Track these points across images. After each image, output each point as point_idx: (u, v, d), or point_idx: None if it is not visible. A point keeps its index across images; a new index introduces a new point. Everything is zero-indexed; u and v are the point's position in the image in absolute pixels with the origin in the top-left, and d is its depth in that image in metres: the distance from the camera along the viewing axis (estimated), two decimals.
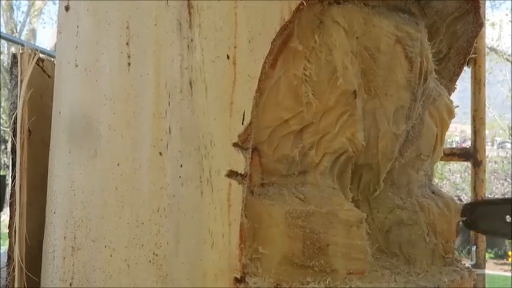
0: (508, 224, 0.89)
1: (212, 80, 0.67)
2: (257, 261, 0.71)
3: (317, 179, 0.80)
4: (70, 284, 0.73)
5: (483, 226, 0.97)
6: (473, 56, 1.74)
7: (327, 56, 0.74)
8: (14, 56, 0.85)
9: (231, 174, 0.66)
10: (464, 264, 0.96)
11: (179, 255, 0.66)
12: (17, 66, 0.84)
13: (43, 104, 0.86)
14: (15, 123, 0.82)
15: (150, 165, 0.68)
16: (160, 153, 0.68)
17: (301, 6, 0.68)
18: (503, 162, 9.11)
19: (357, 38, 0.80)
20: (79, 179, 0.73)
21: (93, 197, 0.72)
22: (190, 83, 0.67)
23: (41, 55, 0.89)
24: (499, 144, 11.68)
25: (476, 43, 1.02)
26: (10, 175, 0.84)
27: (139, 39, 0.70)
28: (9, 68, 0.88)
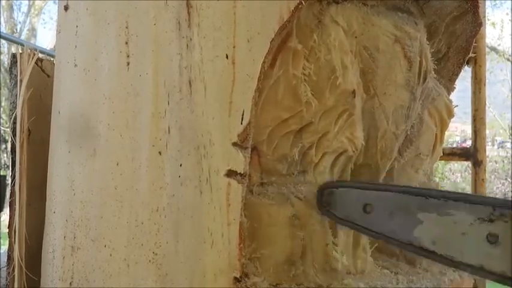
0: (369, 216, 0.70)
1: (211, 79, 0.67)
2: (256, 260, 0.71)
3: (316, 178, 0.80)
4: (70, 283, 0.73)
5: (339, 212, 0.74)
6: (473, 55, 1.74)
7: (326, 56, 0.74)
8: (14, 55, 0.85)
9: (230, 173, 0.66)
10: None
11: (179, 255, 0.66)
12: (16, 66, 0.84)
13: (42, 103, 0.86)
14: (14, 122, 0.82)
15: (149, 165, 0.68)
16: (160, 153, 0.68)
17: (300, 6, 0.68)
18: (503, 161, 9.10)
19: (356, 37, 0.80)
20: (78, 178, 0.73)
21: (92, 197, 0.72)
22: (190, 83, 0.67)
23: (41, 55, 0.89)
24: (500, 143, 11.67)
25: (476, 43, 1.02)
26: (10, 175, 0.84)
27: (138, 38, 0.70)
28: (8, 68, 0.88)
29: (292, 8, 0.67)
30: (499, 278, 0.54)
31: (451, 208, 0.60)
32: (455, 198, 0.60)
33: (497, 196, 8.38)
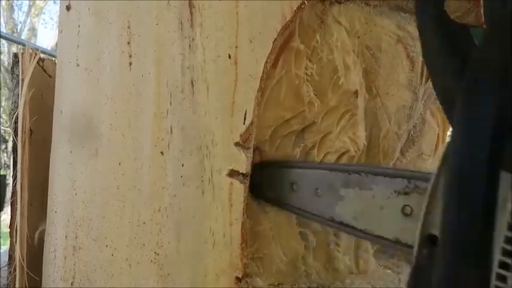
0: (295, 193, 0.70)
1: (213, 79, 0.67)
2: (258, 260, 0.71)
3: None
4: (71, 283, 0.73)
5: (268, 193, 0.74)
6: None
7: (328, 56, 0.74)
8: (15, 55, 0.85)
9: (233, 173, 0.66)
10: None
11: (180, 255, 0.66)
12: (18, 65, 0.84)
13: (44, 103, 0.86)
14: (16, 122, 0.82)
15: (151, 165, 0.68)
16: (162, 153, 0.68)
17: (302, 6, 0.68)
18: None
19: (358, 37, 0.80)
20: (80, 178, 0.73)
21: (94, 197, 0.72)
22: (192, 83, 0.67)
23: (42, 55, 0.89)
24: None
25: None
26: (11, 174, 0.84)
27: (140, 38, 0.70)
28: (9, 68, 0.88)
29: (295, 8, 0.67)
30: (412, 249, 0.53)
31: (371, 183, 0.60)
32: (375, 172, 0.60)
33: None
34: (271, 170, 0.75)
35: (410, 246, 0.51)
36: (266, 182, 0.74)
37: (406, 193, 0.56)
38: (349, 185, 0.63)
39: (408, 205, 0.55)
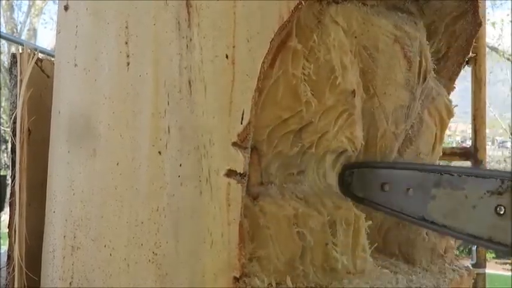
0: (386, 194, 0.73)
1: (211, 79, 0.67)
2: (256, 260, 0.71)
3: (316, 178, 0.80)
4: (70, 283, 0.73)
5: (359, 192, 0.78)
6: (473, 55, 1.74)
7: (325, 56, 0.74)
8: (14, 55, 0.85)
9: (230, 173, 0.66)
10: (463, 263, 0.96)
11: (178, 255, 0.66)
12: (16, 66, 0.84)
13: (43, 103, 0.86)
14: (14, 122, 0.82)
15: (149, 165, 0.68)
16: (160, 153, 0.68)
17: (299, 6, 0.68)
18: (505, 161, 9.11)
19: (356, 37, 0.80)
20: (78, 178, 0.73)
21: (92, 197, 0.72)
22: (189, 83, 0.67)
23: (41, 55, 0.89)
24: (500, 143, 11.67)
25: (476, 42, 1.03)
26: (10, 175, 0.84)
27: (138, 38, 0.70)
28: (9, 68, 0.88)
29: (292, 8, 0.67)
30: (506, 248, 0.55)
31: (463, 183, 0.62)
32: (468, 173, 0.62)
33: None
34: (362, 171, 0.78)
35: (504, 245, 0.54)
36: (357, 182, 0.78)
37: (499, 193, 0.58)
38: (440, 185, 0.65)
39: (501, 205, 0.58)
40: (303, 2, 0.68)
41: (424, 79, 0.87)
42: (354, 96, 0.77)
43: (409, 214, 0.70)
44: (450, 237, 0.66)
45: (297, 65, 0.73)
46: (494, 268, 7.27)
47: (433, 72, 0.91)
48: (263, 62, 0.67)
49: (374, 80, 0.82)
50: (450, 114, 0.97)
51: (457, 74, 1.02)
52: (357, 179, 0.78)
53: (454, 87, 1.05)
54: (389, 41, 0.82)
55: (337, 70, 0.74)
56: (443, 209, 0.64)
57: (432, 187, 0.66)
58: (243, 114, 0.67)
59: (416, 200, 0.68)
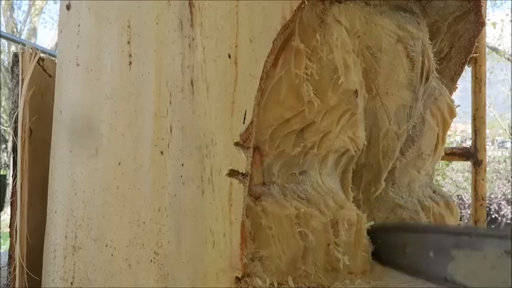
0: (408, 256, 0.76)
1: (213, 79, 0.67)
2: (258, 260, 0.71)
3: (318, 178, 0.80)
4: (71, 283, 0.73)
5: (384, 256, 0.82)
6: (474, 55, 1.74)
7: (328, 55, 0.74)
8: (15, 55, 0.85)
9: (232, 173, 0.66)
10: None
11: (180, 255, 0.66)
12: (18, 65, 0.84)
13: (44, 103, 0.86)
14: (16, 122, 0.82)
15: (151, 164, 0.68)
16: (162, 152, 0.67)
17: (302, 5, 0.68)
18: (505, 162, 9.12)
19: (358, 37, 0.80)
20: (80, 178, 0.73)
21: (94, 196, 0.72)
22: (192, 82, 0.67)
23: (42, 54, 0.89)
24: (500, 143, 11.67)
25: (477, 42, 1.02)
26: (11, 174, 0.84)
27: (140, 38, 0.70)
28: (9, 68, 0.88)
29: (295, 8, 0.67)
30: None
31: (481, 244, 0.64)
32: (486, 234, 0.64)
33: (498, 196, 8.39)
34: (387, 235, 0.82)
35: None
36: (383, 245, 0.82)
37: None
38: (460, 246, 0.67)
39: None
40: (305, 1, 0.68)
41: (427, 79, 0.87)
42: (357, 96, 0.77)
43: (431, 275, 0.72)
44: None
45: (299, 65, 0.72)
46: None
47: (435, 72, 0.91)
48: (266, 62, 0.67)
49: (376, 79, 0.82)
50: (452, 114, 0.97)
51: (459, 74, 1.02)
52: (382, 242, 0.82)
53: (457, 87, 1.05)
54: (392, 40, 0.81)
55: (339, 70, 0.74)
56: (464, 270, 0.66)
57: (452, 248, 0.68)
58: (245, 114, 0.67)
59: (437, 261, 0.70)
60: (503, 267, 0.60)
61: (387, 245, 0.81)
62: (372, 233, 0.82)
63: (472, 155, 1.90)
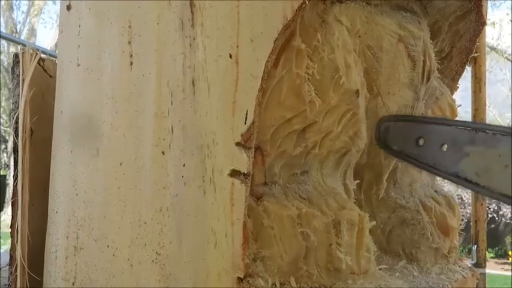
0: (421, 148, 0.74)
1: (215, 79, 0.66)
2: (260, 260, 0.71)
3: (320, 178, 0.80)
4: (73, 283, 0.72)
5: (394, 145, 0.79)
6: (474, 55, 1.74)
7: (329, 55, 0.74)
8: (16, 55, 0.85)
9: (234, 173, 0.66)
10: (467, 263, 0.96)
11: (182, 255, 0.66)
12: (18, 66, 0.84)
13: (45, 103, 0.86)
14: (17, 122, 0.82)
15: (152, 165, 0.68)
16: (163, 153, 0.67)
17: (303, 5, 0.67)
18: None
19: (360, 36, 0.80)
20: (81, 178, 0.73)
21: (95, 197, 0.72)
22: (193, 82, 0.67)
23: (42, 55, 0.89)
24: None
25: (477, 42, 1.02)
26: (12, 175, 0.84)
27: (141, 38, 0.70)
28: (9, 68, 0.88)
29: (296, 8, 0.67)
30: None
31: (498, 141, 0.62)
32: (503, 131, 0.62)
33: None
34: (397, 124, 0.79)
35: None
36: (393, 136, 0.79)
37: None
38: (475, 142, 0.65)
39: None
40: (306, 1, 0.67)
41: (428, 79, 0.87)
42: (358, 96, 0.77)
43: (442, 170, 0.71)
44: (482, 195, 0.68)
45: (300, 65, 0.72)
46: (494, 268, 7.28)
47: (436, 71, 0.90)
48: (267, 62, 0.67)
49: (378, 79, 0.82)
50: (454, 114, 0.97)
51: (460, 73, 1.02)
52: (393, 132, 0.80)
53: (458, 87, 1.05)
54: (393, 40, 0.81)
55: (341, 69, 0.74)
56: (477, 167, 0.64)
57: (467, 144, 0.66)
58: (246, 114, 0.67)
59: (450, 156, 0.69)
60: None
61: (399, 136, 0.79)
62: (382, 121, 0.81)
63: None
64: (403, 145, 0.78)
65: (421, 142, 0.75)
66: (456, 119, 0.97)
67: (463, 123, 0.70)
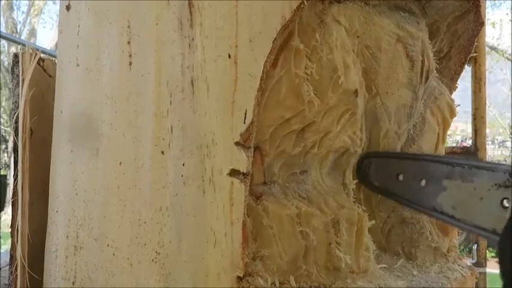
0: (400, 183, 0.76)
1: (214, 79, 0.67)
2: (259, 260, 0.71)
3: (319, 177, 0.80)
4: (73, 283, 0.73)
5: (375, 181, 0.82)
6: (474, 55, 1.74)
7: (328, 55, 0.74)
8: (16, 55, 0.85)
9: (233, 173, 0.66)
10: (467, 262, 0.96)
11: (182, 254, 0.66)
12: (18, 65, 0.84)
13: (45, 103, 0.86)
14: (17, 122, 0.82)
15: (152, 164, 0.68)
16: (162, 152, 0.68)
17: (302, 5, 0.68)
18: (505, 161, 9.13)
19: (358, 36, 0.80)
20: (81, 178, 0.73)
21: (95, 196, 0.72)
22: (192, 82, 0.67)
23: (42, 55, 0.89)
24: (500, 143, 11.67)
25: (476, 42, 1.03)
26: (12, 174, 0.84)
27: (140, 38, 0.70)
28: (9, 68, 0.88)
29: (294, 8, 0.67)
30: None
31: (473, 175, 0.64)
32: (478, 166, 0.64)
33: None
34: (378, 160, 0.82)
35: None
36: (373, 172, 0.81)
37: (506, 186, 0.60)
38: (452, 176, 0.67)
39: (507, 198, 0.60)
40: (305, 1, 0.68)
41: (427, 78, 0.87)
42: (357, 96, 0.77)
43: (420, 204, 0.72)
44: (457, 228, 0.69)
45: (299, 65, 0.73)
46: (494, 267, 7.27)
47: (435, 71, 0.91)
48: (266, 62, 0.67)
49: (376, 79, 0.82)
50: (453, 113, 0.97)
51: (459, 73, 1.02)
52: (374, 168, 0.82)
53: (457, 87, 1.05)
54: (392, 40, 0.82)
55: (339, 69, 0.74)
56: (453, 200, 0.66)
57: (444, 178, 0.68)
58: (245, 113, 0.67)
59: (428, 190, 0.71)
60: (492, 200, 0.61)
61: (380, 172, 0.81)
62: (364, 158, 0.83)
63: (472, 154, 1.90)
64: (383, 181, 0.80)
65: (400, 177, 0.77)
66: (454, 119, 0.97)
67: (441, 159, 0.72)
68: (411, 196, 0.74)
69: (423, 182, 0.72)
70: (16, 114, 0.82)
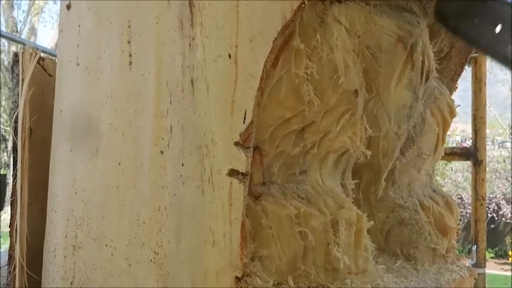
0: (475, 27, 0.73)
1: (214, 78, 0.67)
2: (258, 260, 0.71)
3: (318, 178, 0.80)
4: (71, 282, 0.73)
5: (451, 21, 0.79)
6: (474, 55, 1.74)
7: (328, 55, 0.74)
8: (16, 55, 0.85)
9: (232, 173, 0.66)
10: (465, 263, 0.96)
11: (180, 254, 0.66)
12: (18, 65, 0.84)
13: (44, 102, 0.86)
14: (16, 121, 0.82)
15: (151, 164, 0.68)
16: (162, 152, 0.68)
17: (302, 5, 0.68)
18: (505, 161, 9.14)
19: (359, 36, 0.80)
20: (80, 177, 0.73)
21: (94, 196, 0.72)
22: (192, 82, 0.67)
23: (42, 54, 0.89)
24: (500, 143, 11.67)
25: None
26: (11, 174, 0.84)
27: (140, 38, 0.70)
28: (9, 67, 0.88)
29: (295, 8, 0.67)
30: None
31: None
32: None
33: (497, 196, 8.41)
34: (457, 3, 0.79)
35: None
36: (451, 11, 0.79)
37: None
38: None
39: None
40: (305, 1, 0.68)
41: (427, 79, 0.87)
42: (357, 96, 0.77)
43: (493, 51, 0.73)
44: None
45: (299, 65, 0.72)
46: (493, 268, 7.28)
47: (435, 72, 0.91)
48: (266, 62, 0.67)
49: (377, 79, 0.82)
50: (452, 114, 0.97)
51: (459, 73, 1.02)
52: (451, 7, 0.79)
53: (457, 87, 1.05)
54: (393, 40, 0.82)
55: (340, 70, 0.74)
56: None
57: None
58: (245, 113, 0.67)
59: (501, 38, 0.70)
60: None
61: (458, 11, 0.79)
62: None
63: (472, 154, 1.90)
64: (459, 22, 0.78)
65: (476, 20, 0.75)
66: (454, 119, 0.97)
67: None
68: (485, 40, 0.73)
69: (498, 29, 0.71)
70: (16, 113, 0.82)
